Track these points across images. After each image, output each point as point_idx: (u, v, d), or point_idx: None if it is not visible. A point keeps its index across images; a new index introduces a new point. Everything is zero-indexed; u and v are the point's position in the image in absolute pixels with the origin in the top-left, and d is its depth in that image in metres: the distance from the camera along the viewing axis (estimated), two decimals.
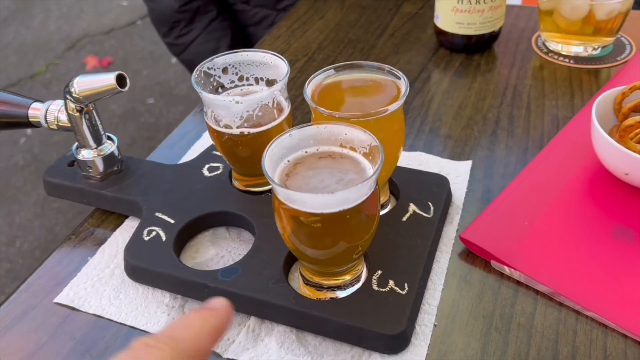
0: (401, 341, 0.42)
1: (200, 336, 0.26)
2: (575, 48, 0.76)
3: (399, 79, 0.48)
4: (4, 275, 1.60)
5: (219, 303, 0.27)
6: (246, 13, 1.32)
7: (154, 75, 2.40)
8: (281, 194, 0.39)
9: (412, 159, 0.60)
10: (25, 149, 2.03)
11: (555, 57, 0.76)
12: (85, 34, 2.73)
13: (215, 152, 0.58)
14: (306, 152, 0.43)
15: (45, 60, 2.56)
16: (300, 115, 0.69)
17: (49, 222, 1.76)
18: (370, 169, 0.41)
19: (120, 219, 0.55)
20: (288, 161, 0.42)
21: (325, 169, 0.42)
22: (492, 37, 0.78)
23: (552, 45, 0.77)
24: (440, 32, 0.79)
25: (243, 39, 1.35)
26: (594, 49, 0.75)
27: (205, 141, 0.64)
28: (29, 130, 2.09)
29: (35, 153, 2.01)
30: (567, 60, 0.75)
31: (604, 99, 0.56)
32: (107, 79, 0.48)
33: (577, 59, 0.75)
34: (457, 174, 0.58)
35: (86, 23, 2.82)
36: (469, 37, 0.76)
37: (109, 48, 2.61)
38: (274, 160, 0.41)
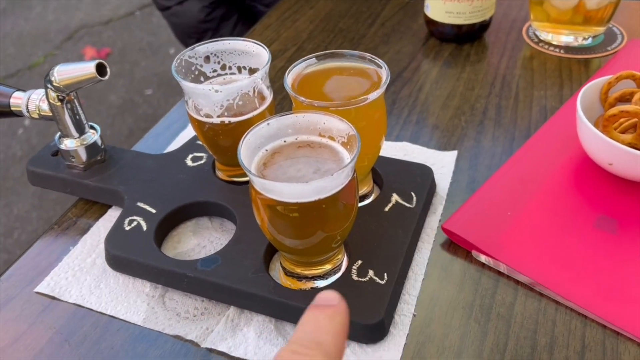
0: (379, 331, 0.42)
1: (337, 337, 0.25)
2: (565, 38, 0.75)
3: (381, 67, 0.47)
4: (2, 266, 1.61)
5: (333, 298, 0.27)
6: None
7: (152, 66, 2.39)
8: (257, 183, 0.39)
9: (398, 149, 0.60)
10: (23, 140, 2.03)
11: (546, 47, 0.75)
12: (84, 24, 2.72)
13: (199, 142, 0.58)
14: (285, 141, 0.42)
15: (44, 51, 2.56)
16: (288, 104, 0.68)
17: (46, 213, 1.76)
18: (348, 158, 0.41)
19: (103, 208, 0.55)
20: (266, 150, 0.42)
21: (303, 158, 0.41)
22: (482, 27, 0.77)
23: (543, 35, 0.77)
24: (430, 22, 0.78)
25: None
26: (585, 38, 0.75)
27: (190, 131, 0.64)
28: (27, 121, 2.09)
29: (34, 144, 2.01)
30: (557, 50, 0.75)
31: (590, 88, 0.55)
32: (87, 68, 0.48)
33: (567, 48, 0.74)
34: (443, 164, 0.58)
35: (84, 14, 2.81)
36: (459, 26, 0.76)
37: (107, 39, 2.60)
38: (250, 150, 0.41)
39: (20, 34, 2.70)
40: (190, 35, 1.40)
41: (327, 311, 0.26)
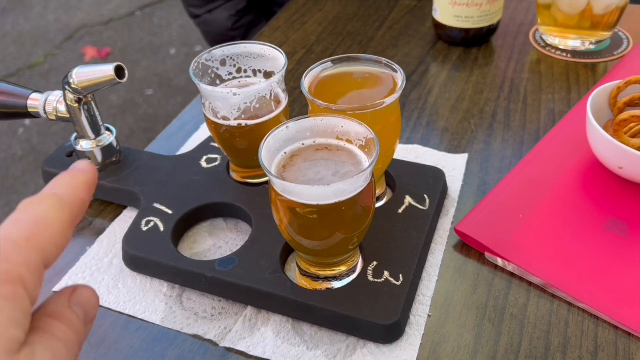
0: (395, 331, 0.43)
1: (77, 190, 0.27)
2: (572, 42, 0.76)
3: (396, 71, 0.48)
4: None
5: (84, 164, 0.29)
6: None
7: (152, 66, 2.40)
8: (278, 185, 0.40)
9: (409, 152, 0.60)
10: (24, 139, 2.03)
11: (553, 50, 0.76)
12: (84, 24, 2.72)
13: (213, 144, 0.58)
14: (303, 144, 0.43)
15: (44, 50, 2.56)
16: (299, 107, 0.69)
17: None
18: (366, 161, 0.41)
19: (118, 209, 0.56)
20: (285, 153, 0.42)
21: (322, 160, 0.42)
22: (490, 31, 0.78)
23: (550, 39, 0.78)
24: (438, 25, 0.79)
25: None
26: (591, 43, 0.76)
27: (203, 132, 0.65)
28: (27, 121, 2.08)
29: (34, 143, 2.01)
30: (564, 54, 0.75)
31: (599, 93, 0.56)
32: (106, 70, 0.48)
33: (574, 52, 0.75)
34: (453, 166, 0.58)
35: (84, 13, 2.81)
36: (466, 30, 0.77)
37: (107, 39, 2.60)
38: (270, 152, 0.41)
39: (21, 33, 2.69)
40: (219, 42, 1.45)
41: (71, 172, 0.28)
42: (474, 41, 0.78)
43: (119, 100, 2.18)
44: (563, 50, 0.76)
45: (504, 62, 0.75)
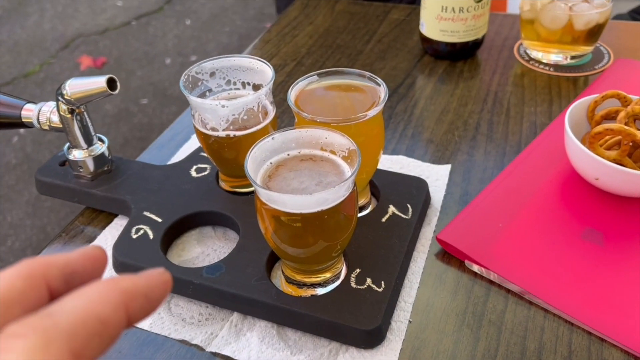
0: (377, 336, 0.44)
1: (95, 304, 0.19)
2: (554, 56, 0.78)
3: (379, 85, 0.50)
4: None
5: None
6: None
7: (147, 75, 2.41)
8: (263, 194, 0.41)
9: (394, 163, 0.62)
10: (18, 148, 2.04)
11: (536, 64, 0.78)
12: (80, 33, 2.74)
13: (202, 154, 0.60)
14: (288, 154, 0.45)
15: (39, 59, 2.57)
16: (288, 118, 0.71)
17: (40, 221, 1.77)
18: (348, 171, 0.43)
19: (109, 217, 0.57)
20: (270, 163, 0.44)
21: (306, 170, 0.44)
22: (475, 45, 0.80)
23: (533, 54, 0.80)
24: (425, 39, 0.81)
25: None
26: (573, 57, 0.78)
27: (193, 143, 0.66)
28: (21, 130, 2.09)
29: (28, 152, 2.02)
30: (547, 68, 0.78)
31: (578, 107, 0.58)
32: (98, 82, 0.50)
33: (556, 67, 0.78)
34: (437, 177, 0.60)
35: (81, 23, 2.83)
36: (453, 44, 0.79)
37: (103, 48, 2.62)
38: (256, 163, 0.43)
39: (17, 42, 2.71)
40: None
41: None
42: (459, 55, 0.80)
43: (114, 109, 2.20)
44: (546, 65, 0.78)
45: (488, 75, 0.77)
